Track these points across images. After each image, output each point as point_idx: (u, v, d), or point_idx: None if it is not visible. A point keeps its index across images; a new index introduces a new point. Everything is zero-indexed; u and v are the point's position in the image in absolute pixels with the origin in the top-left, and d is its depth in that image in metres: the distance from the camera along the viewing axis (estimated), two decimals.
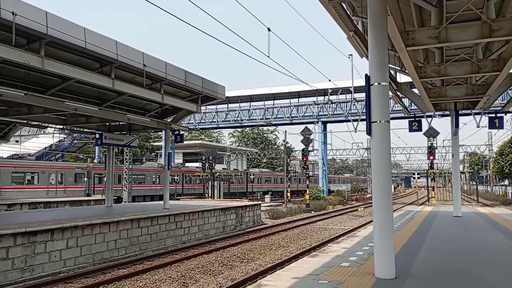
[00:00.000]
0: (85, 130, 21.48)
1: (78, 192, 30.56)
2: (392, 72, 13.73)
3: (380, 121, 5.76)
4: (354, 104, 40.77)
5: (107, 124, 18.91)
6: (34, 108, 14.59)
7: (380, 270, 6.17)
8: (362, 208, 29.35)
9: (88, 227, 11.78)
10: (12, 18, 8.94)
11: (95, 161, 43.06)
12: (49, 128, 27.40)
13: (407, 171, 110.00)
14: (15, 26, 9.03)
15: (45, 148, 45.81)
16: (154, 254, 13.45)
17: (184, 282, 9.76)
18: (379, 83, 5.79)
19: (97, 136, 18.61)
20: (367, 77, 5.85)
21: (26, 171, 28.62)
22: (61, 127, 19.84)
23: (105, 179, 24.10)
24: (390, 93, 13.64)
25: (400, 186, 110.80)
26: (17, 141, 41.46)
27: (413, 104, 18.15)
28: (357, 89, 36.01)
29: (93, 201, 26.62)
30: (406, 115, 21.21)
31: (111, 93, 14.72)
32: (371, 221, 24.80)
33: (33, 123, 19.89)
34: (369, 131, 5.83)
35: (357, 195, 51.58)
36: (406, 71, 12.58)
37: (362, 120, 30.45)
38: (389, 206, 5.98)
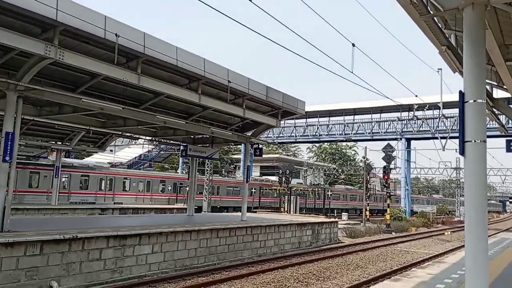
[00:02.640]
0: (172, 142, 22.84)
1: None
2: (488, 87, 12.68)
3: (475, 141, 5.34)
4: (442, 121, 38.28)
5: (192, 136, 19.89)
6: (129, 121, 15.85)
7: None
8: (449, 232, 27.22)
9: (172, 234, 12.40)
10: (115, 39, 9.86)
11: (179, 171, 45.28)
12: (139, 139, 29.69)
13: (501, 195, 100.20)
14: (118, 47, 9.95)
15: (135, 157, 49.36)
16: (231, 264, 13.74)
17: None
18: (474, 101, 5.39)
19: (182, 148, 19.66)
20: (461, 94, 5.48)
21: None
22: (150, 138, 21.32)
23: (187, 188, 25.30)
24: (486, 110, 12.59)
25: (501, 213, 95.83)
26: (111, 151, 45.18)
27: (510, 122, 16.59)
28: (446, 105, 33.77)
29: (175, 209, 28.05)
30: (503, 134, 19.42)
31: (196, 108, 15.50)
32: (460, 246, 22.87)
33: (127, 134, 21.64)
34: (462, 151, 5.43)
35: (443, 217, 48.06)
36: (504, 87, 11.56)
37: (451, 137, 28.31)
38: (484, 231, 5.47)
